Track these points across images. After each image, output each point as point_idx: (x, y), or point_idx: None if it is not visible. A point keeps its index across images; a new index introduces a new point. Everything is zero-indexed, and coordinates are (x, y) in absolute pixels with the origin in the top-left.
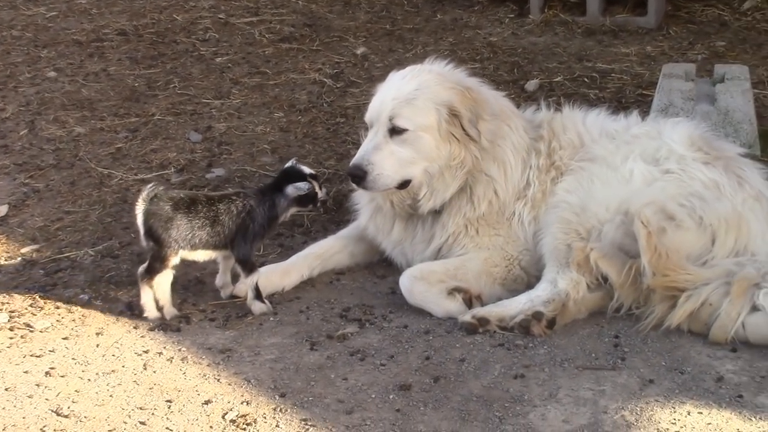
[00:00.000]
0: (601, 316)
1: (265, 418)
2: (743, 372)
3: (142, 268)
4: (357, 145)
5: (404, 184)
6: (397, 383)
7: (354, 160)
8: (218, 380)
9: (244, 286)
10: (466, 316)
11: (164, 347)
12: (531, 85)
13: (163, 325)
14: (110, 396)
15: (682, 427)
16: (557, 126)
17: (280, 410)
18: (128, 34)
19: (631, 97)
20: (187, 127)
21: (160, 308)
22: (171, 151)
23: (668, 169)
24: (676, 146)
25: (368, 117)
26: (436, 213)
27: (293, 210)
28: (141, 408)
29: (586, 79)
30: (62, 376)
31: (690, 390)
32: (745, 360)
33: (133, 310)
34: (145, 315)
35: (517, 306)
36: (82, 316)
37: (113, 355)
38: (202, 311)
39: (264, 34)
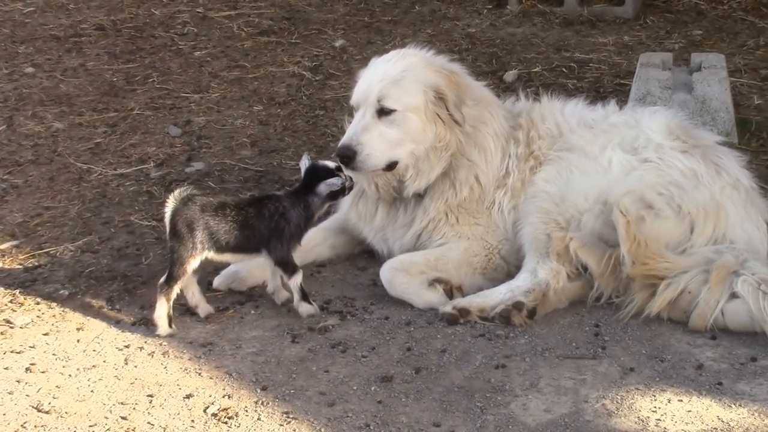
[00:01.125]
0: (581, 305)
1: (246, 411)
2: (723, 359)
3: (162, 279)
4: (336, 137)
5: (391, 166)
6: (379, 375)
7: (343, 141)
8: (199, 374)
9: (224, 279)
10: (447, 307)
11: (145, 342)
12: (509, 75)
13: (144, 320)
14: (91, 391)
15: (662, 415)
16: (536, 116)
17: (262, 403)
18: (106, 29)
19: (609, 86)
20: (166, 122)
21: (194, 306)
22: (150, 145)
23: (646, 158)
24: (654, 135)
25: (354, 99)
26: (419, 197)
27: (327, 205)
28: (122, 403)
29: (564, 69)
30: (43, 372)
31: (670, 378)
32: (724, 347)
33: (113, 305)
34: (157, 332)
35: (497, 296)
36: (63, 311)
37: (94, 351)
38: (183, 305)
39: (243, 28)
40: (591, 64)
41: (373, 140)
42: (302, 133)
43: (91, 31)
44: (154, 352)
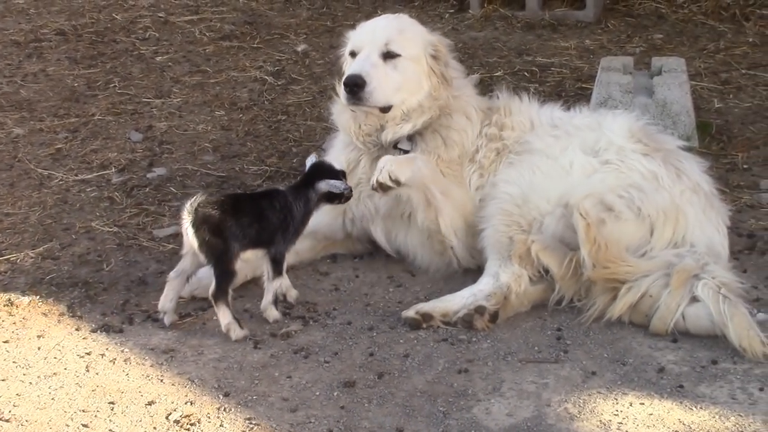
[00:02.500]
0: (543, 309)
1: (209, 417)
2: (684, 362)
3: (212, 289)
4: (299, 142)
5: (387, 109)
6: (342, 380)
7: (352, 71)
8: (161, 381)
9: (188, 286)
10: (410, 312)
11: (107, 349)
12: (472, 80)
13: (105, 327)
14: (52, 399)
15: (624, 419)
16: (514, 107)
17: (225, 410)
18: (67, 34)
19: (571, 90)
20: (127, 127)
21: (162, 310)
22: (112, 151)
23: (607, 160)
24: (616, 138)
25: (356, 43)
26: (405, 152)
27: (321, 206)
28: (83, 410)
29: (526, 73)
30: (3, 380)
31: (632, 381)
32: (685, 350)
33: (75, 312)
34: (234, 338)
35: (460, 301)
36: (23, 318)
37: (55, 358)
38: (145, 312)
39: (204, 33)
40: (553, 68)
41: (380, 76)
42: (264, 138)
43: (52, 36)
44: (115, 359)
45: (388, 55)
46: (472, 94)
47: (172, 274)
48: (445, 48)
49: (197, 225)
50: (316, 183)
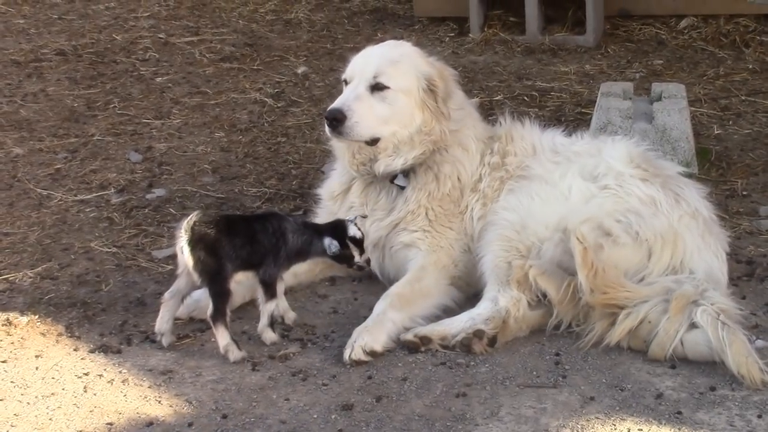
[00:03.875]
0: (542, 333)
1: None
2: (682, 388)
3: (210, 311)
4: (298, 165)
5: (373, 141)
6: (340, 403)
7: (334, 105)
8: (159, 402)
9: (185, 308)
10: (408, 335)
11: (105, 369)
12: (472, 103)
13: (103, 347)
14: (50, 419)
15: None
16: (516, 134)
17: (222, 431)
18: (67, 54)
19: (571, 115)
20: (127, 148)
21: (160, 332)
22: (111, 171)
23: (606, 185)
24: (615, 163)
25: (348, 73)
26: (401, 188)
27: (325, 259)
28: (81, 431)
29: (525, 98)
30: (1, 400)
31: (630, 407)
32: (684, 376)
33: (73, 332)
34: (232, 360)
35: (458, 324)
36: (21, 338)
37: (53, 378)
38: (143, 332)
39: (204, 54)
40: (552, 93)
41: (363, 110)
42: (264, 160)
43: (52, 56)
44: (113, 380)
45: (377, 87)
46: (474, 124)
47: (166, 295)
48: (446, 80)
49: (193, 243)
50: (324, 236)
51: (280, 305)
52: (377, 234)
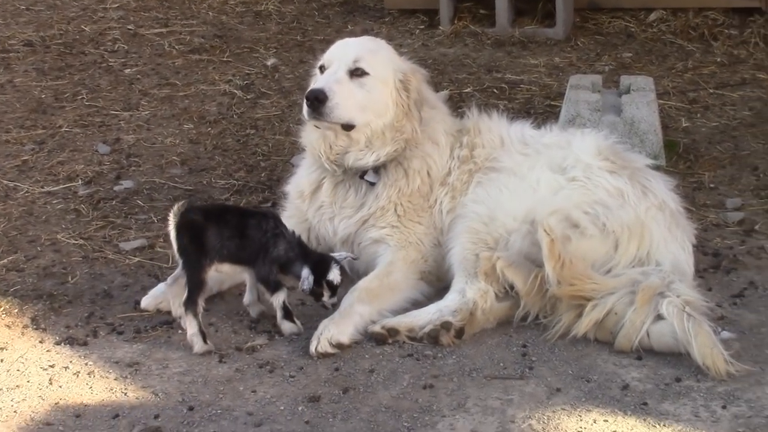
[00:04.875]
0: (509, 325)
1: (173, 431)
2: (648, 380)
3: (184, 298)
4: (267, 156)
5: (349, 127)
6: (306, 395)
7: (315, 86)
8: (126, 394)
9: (152, 300)
10: (376, 327)
11: (71, 362)
12: (441, 96)
13: (69, 339)
14: (15, 412)
15: None
16: (483, 126)
17: (189, 423)
18: (35, 45)
19: (540, 107)
20: (95, 139)
21: (178, 317)
22: (78, 163)
23: (574, 177)
24: (583, 155)
25: (326, 60)
26: (371, 184)
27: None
28: (47, 424)
29: (495, 90)
30: None
31: (596, 398)
32: (650, 368)
33: (38, 324)
34: (195, 351)
35: (426, 316)
36: None
37: (18, 371)
38: (110, 324)
39: (174, 45)
40: (522, 85)
41: (343, 93)
42: (232, 152)
43: (20, 47)
44: (79, 372)
45: (356, 72)
46: (443, 118)
47: (168, 281)
48: (419, 78)
49: (179, 229)
50: (306, 265)
51: (249, 297)
52: (346, 231)
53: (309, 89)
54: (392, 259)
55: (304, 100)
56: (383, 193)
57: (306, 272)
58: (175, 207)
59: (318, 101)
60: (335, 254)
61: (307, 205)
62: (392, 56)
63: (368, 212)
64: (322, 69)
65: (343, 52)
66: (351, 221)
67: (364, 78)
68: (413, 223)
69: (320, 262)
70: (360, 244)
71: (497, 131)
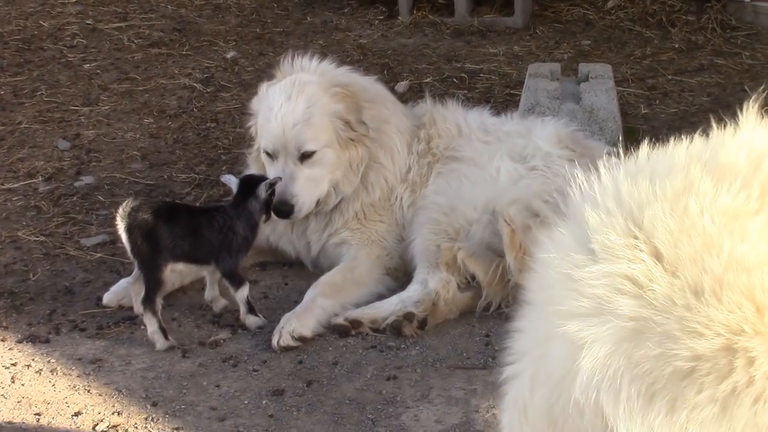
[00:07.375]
0: (472, 315)
1: (136, 428)
2: None
3: (142, 297)
4: (228, 150)
5: (319, 203)
6: (270, 388)
7: (278, 197)
8: (88, 391)
9: (114, 296)
10: (339, 319)
11: (33, 359)
12: (401, 86)
13: (31, 337)
14: None
15: None
16: (438, 116)
17: (152, 419)
18: None
19: (500, 96)
20: (54, 135)
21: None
22: (38, 159)
23: (534, 166)
24: (543, 144)
25: (269, 147)
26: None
27: (268, 218)
28: (9, 422)
29: (455, 80)
30: None
31: None
32: None
33: (0, 323)
34: (157, 348)
35: (388, 307)
36: None
37: None
38: (72, 321)
39: (133, 40)
40: (482, 75)
41: (302, 187)
42: (193, 146)
43: None
44: (41, 370)
45: (306, 155)
46: (391, 112)
47: (130, 279)
48: (350, 99)
49: (130, 229)
50: (255, 191)
51: (210, 293)
52: (317, 247)
53: (274, 201)
54: (355, 255)
55: (271, 212)
56: (348, 208)
57: (262, 187)
58: (121, 209)
59: (287, 213)
60: (226, 178)
61: (282, 241)
62: (323, 106)
63: (336, 227)
64: (268, 154)
65: (283, 140)
66: (320, 242)
67: (313, 156)
68: (374, 222)
69: (248, 184)
70: (325, 250)
71: (453, 120)
